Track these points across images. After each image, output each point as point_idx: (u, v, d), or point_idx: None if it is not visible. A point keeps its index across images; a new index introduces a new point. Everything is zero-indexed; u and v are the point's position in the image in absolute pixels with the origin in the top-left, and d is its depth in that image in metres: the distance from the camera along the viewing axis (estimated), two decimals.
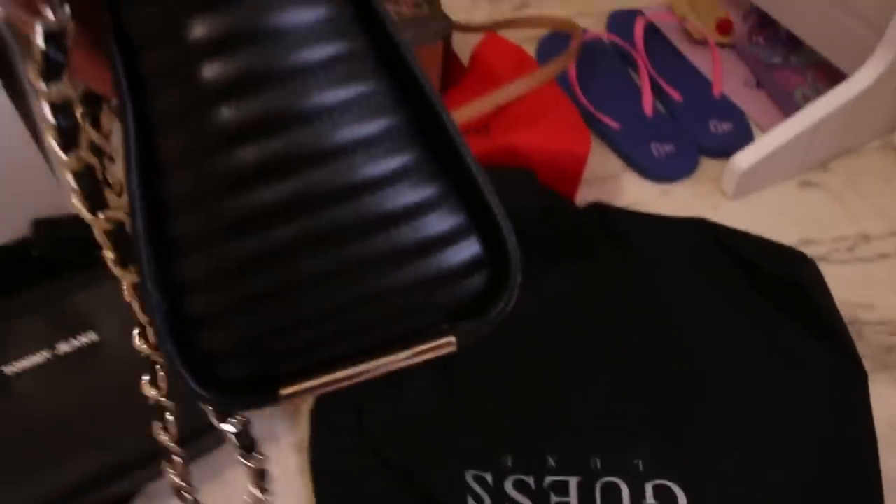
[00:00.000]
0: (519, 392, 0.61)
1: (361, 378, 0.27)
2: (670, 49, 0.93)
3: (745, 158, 0.76)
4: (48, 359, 0.57)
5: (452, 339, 0.28)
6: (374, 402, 0.60)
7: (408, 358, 0.27)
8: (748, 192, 0.78)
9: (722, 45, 0.93)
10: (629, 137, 0.81)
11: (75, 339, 0.58)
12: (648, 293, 0.67)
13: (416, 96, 0.27)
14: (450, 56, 0.81)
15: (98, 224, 0.28)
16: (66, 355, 0.58)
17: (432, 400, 0.60)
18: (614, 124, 0.82)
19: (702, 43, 0.93)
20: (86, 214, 0.28)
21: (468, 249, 0.27)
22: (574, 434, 0.59)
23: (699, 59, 0.91)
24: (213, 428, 0.33)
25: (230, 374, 0.27)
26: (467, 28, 0.88)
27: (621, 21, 0.95)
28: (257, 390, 0.27)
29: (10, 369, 0.56)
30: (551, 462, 0.58)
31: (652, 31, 0.94)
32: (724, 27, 0.94)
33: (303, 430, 0.61)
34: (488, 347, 0.60)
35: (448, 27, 0.78)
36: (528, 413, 0.60)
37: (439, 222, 0.26)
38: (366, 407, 0.60)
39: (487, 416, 0.60)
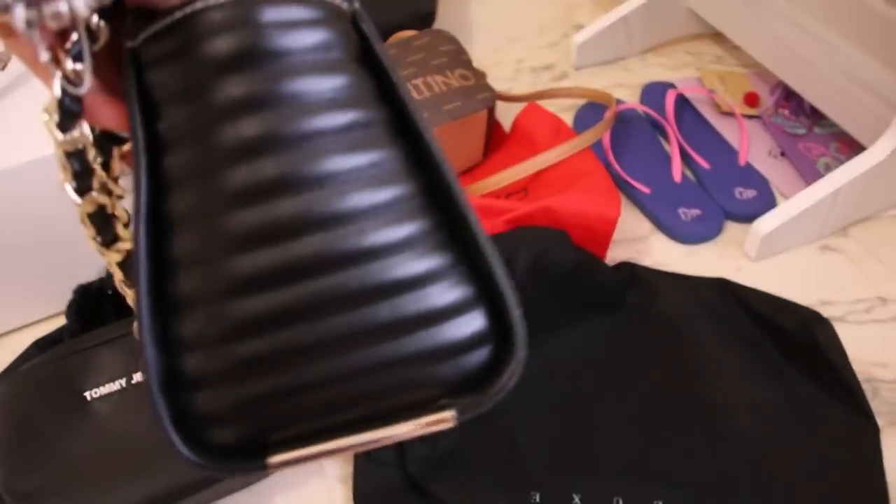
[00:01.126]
0: (549, 434, 0.66)
1: (353, 450, 0.26)
2: (699, 119, 0.99)
3: (767, 223, 0.81)
4: (123, 386, 0.63)
5: (452, 413, 0.26)
6: (414, 440, 0.65)
7: (404, 432, 0.26)
8: (770, 255, 0.83)
9: (748, 117, 0.99)
10: (659, 202, 0.87)
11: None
12: (673, 346, 0.71)
13: (428, 167, 0.27)
14: (493, 124, 0.88)
15: (110, 257, 0.29)
16: (139, 384, 0.64)
17: (468, 438, 0.65)
18: (645, 189, 0.88)
19: (729, 114, 0.99)
20: (99, 249, 0.29)
21: (473, 323, 0.27)
22: (600, 476, 0.64)
23: (726, 130, 0.97)
24: None
25: (221, 438, 0.26)
26: (510, 98, 0.95)
27: (654, 93, 1.01)
28: (246, 455, 0.26)
29: (90, 394, 0.62)
30: (577, 501, 0.62)
31: (682, 102, 1.00)
32: (751, 100, 1.00)
33: (348, 463, 0.66)
34: (523, 391, 0.66)
35: (492, 98, 0.85)
36: (557, 454, 0.65)
37: (444, 294, 0.26)
38: (406, 442, 0.65)
39: (519, 456, 0.65)
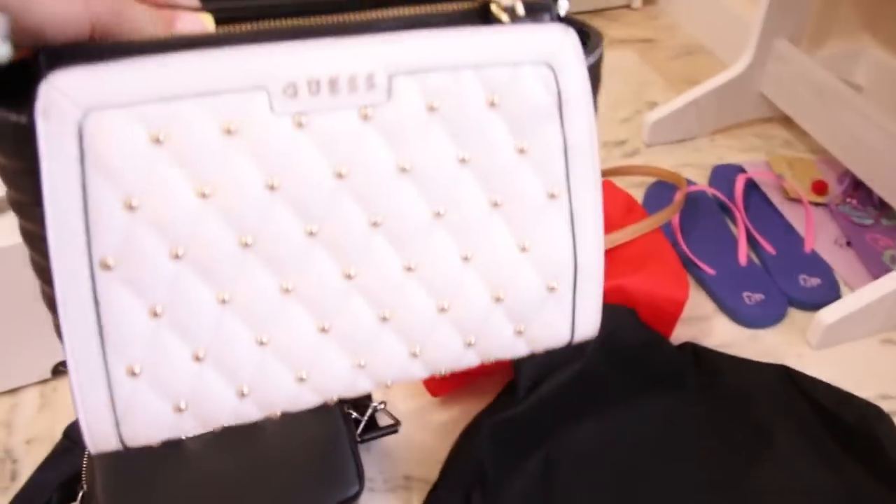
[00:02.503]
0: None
1: None
2: (767, 204, 1.02)
3: (831, 313, 0.83)
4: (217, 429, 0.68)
5: None
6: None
7: None
8: (832, 345, 0.85)
9: (816, 204, 1.02)
10: (723, 284, 0.90)
11: None
12: (732, 429, 0.74)
13: None
14: None
15: None
16: (232, 428, 0.69)
17: None
18: (710, 270, 0.91)
19: (797, 201, 1.02)
20: None
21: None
22: None
23: (793, 216, 1.00)
24: None
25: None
26: None
27: (722, 175, 1.05)
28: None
29: None
30: None
31: (751, 186, 1.03)
32: (819, 188, 1.03)
33: None
34: (584, 462, 0.69)
35: None
36: None
37: None
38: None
39: None
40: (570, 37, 0.34)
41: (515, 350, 0.40)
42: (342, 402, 0.69)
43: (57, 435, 0.75)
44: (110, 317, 0.31)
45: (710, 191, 1.01)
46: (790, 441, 0.73)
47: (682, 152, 1.11)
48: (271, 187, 0.31)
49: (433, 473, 0.70)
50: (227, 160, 0.30)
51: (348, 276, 0.34)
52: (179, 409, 0.33)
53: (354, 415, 0.70)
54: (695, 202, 1.00)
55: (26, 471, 0.74)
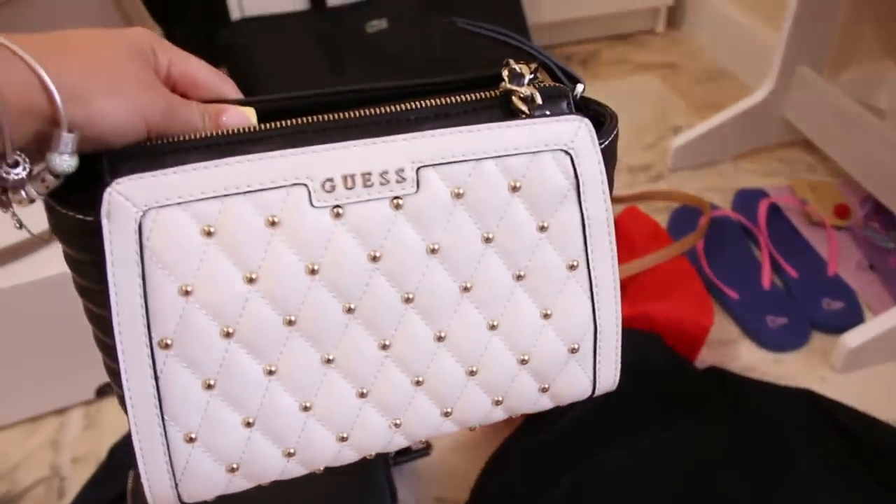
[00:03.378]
0: None
1: None
2: (790, 228, 1.03)
3: (855, 337, 0.85)
4: None
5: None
6: None
7: None
8: (856, 368, 0.86)
9: (838, 228, 1.03)
10: (747, 308, 0.92)
11: None
12: (756, 452, 0.75)
13: None
14: None
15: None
16: None
17: None
18: (734, 294, 0.93)
19: (819, 224, 1.03)
20: None
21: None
22: None
23: (816, 240, 1.01)
24: None
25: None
26: (612, 199, 1.01)
27: (746, 199, 1.07)
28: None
29: None
30: None
31: (774, 210, 1.05)
32: (841, 212, 1.04)
33: None
34: (612, 486, 0.71)
35: None
36: None
37: None
38: None
39: None
40: (584, 125, 0.37)
41: (540, 404, 0.43)
42: None
43: (102, 454, 0.79)
44: (168, 390, 0.34)
45: (734, 215, 1.03)
46: (814, 464, 0.74)
47: (706, 176, 1.13)
48: (312, 271, 0.34)
49: (464, 495, 0.72)
50: (271, 248, 0.34)
51: (384, 347, 0.37)
52: (232, 470, 0.37)
53: None
54: (718, 226, 1.02)
55: (73, 488, 0.77)
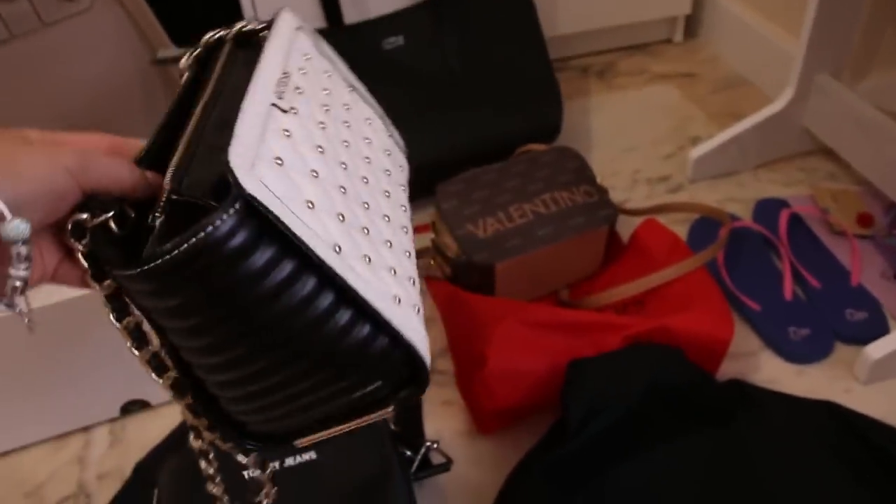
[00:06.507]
0: None
1: (340, 431, 0.42)
2: (812, 238, 1.02)
3: (879, 348, 0.84)
4: (275, 469, 0.71)
5: (391, 408, 0.41)
6: None
7: (363, 421, 0.41)
8: (880, 380, 0.85)
9: (861, 237, 1.02)
10: (768, 319, 0.91)
11: (299, 455, 0.72)
12: (778, 466, 0.75)
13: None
14: (613, 236, 0.95)
15: (142, 357, 0.41)
16: (291, 468, 0.72)
17: None
18: (755, 306, 0.92)
19: (842, 234, 1.02)
20: (136, 353, 0.41)
21: (379, 342, 0.39)
22: None
23: (839, 249, 1.00)
24: None
25: (257, 438, 0.43)
26: (629, 212, 1.01)
27: (766, 209, 1.06)
28: (277, 444, 0.42)
29: (248, 474, 0.71)
30: None
31: (795, 220, 1.04)
32: (864, 221, 1.03)
33: None
34: (633, 500, 0.71)
35: (614, 214, 0.92)
36: None
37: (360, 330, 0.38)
38: None
39: None
40: None
41: None
42: (396, 442, 0.71)
43: (127, 470, 0.80)
44: None
45: (755, 226, 1.02)
46: (838, 477, 0.74)
47: (726, 187, 1.13)
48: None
49: None
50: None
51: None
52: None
53: (408, 454, 0.73)
54: (739, 237, 1.01)
55: None
